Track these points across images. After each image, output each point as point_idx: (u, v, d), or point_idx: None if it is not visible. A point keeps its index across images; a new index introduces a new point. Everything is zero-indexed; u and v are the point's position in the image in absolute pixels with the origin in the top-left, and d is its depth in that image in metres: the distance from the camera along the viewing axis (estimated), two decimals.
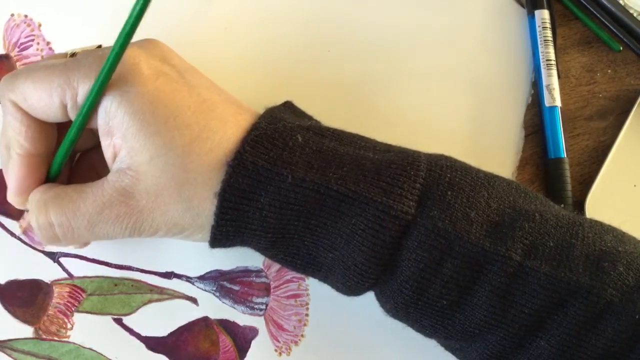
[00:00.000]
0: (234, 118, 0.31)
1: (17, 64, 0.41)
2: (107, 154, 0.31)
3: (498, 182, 0.31)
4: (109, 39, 0.41)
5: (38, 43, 0.41)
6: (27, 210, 0.34)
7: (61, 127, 0.33)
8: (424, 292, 0.30)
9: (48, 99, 0.30)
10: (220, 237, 0.31)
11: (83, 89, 0.30)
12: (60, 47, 0.41)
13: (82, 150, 0.37)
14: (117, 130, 0.30)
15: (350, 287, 0.32)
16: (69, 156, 0.33)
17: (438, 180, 0.30)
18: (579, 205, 0.41)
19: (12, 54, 0.41)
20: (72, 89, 0.30)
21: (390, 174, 0.30)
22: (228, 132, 0.30)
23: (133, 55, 0.30)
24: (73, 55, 0.34)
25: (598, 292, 0.29)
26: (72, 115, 0.31)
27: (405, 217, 0.29)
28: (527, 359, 0.31)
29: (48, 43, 0.41)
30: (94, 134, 0.32)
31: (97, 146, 0.33)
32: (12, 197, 0.33)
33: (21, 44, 0.41)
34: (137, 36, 0.41)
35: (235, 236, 0.31)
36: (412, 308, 0.31)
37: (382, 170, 0.30)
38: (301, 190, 0.29)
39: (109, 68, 0.29)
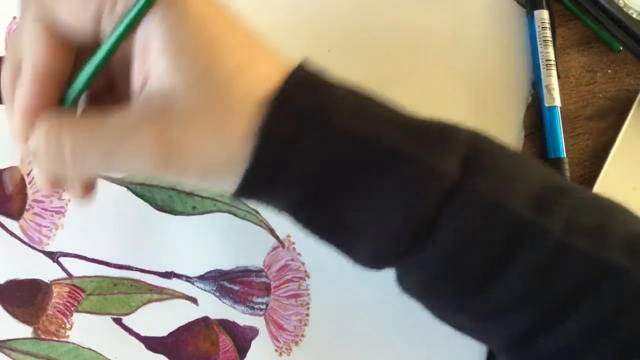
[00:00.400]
0: (276, 58, 0.28)
1: None
2: (138, 79, 0.27)
3: (532, 160, 0.30)
4: None
5: None
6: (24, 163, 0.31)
7: (78, 58, 0.29)
8: (459, 262, 0.28)
9: (81, 6, 0.26)
10: (252, 183, 0.28)
11: None
12: None
13: (92, 95, 0.32)
14: (156, 45, 0.26)
15: (377, 254, 0.29)
16: (90, 84, 0.29)
17: (476, 148, 0.29)
18: None
19: None
20: None
21: (435, 135, 0.28)
22: (272, 70, 0.27)
23: None
24: None
25: (636, 274, 0.28)
26: (107, 29, 0.27)
27: (449, 179, 0.27)
28: (552, 341, 0.29)
29: None
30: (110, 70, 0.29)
31: (110, 92, 0.30)
32: (18, 120, 0.28)
33: None
34: None
35: (266, 184, 0.28)
36: (440, 281, 0.29)
37: (427, 131, 0.28)
38: (345, 140, 0.27)
39: None
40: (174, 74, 0.26)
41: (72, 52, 0.28)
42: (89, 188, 0.32)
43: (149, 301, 0.39)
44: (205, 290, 0.39)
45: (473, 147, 0.29)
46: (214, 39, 0.26)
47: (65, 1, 0.26)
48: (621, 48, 0.44)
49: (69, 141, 0.27)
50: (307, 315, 0.39)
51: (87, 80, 0.28)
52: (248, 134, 0.26)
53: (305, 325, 0.39)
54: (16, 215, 0.39)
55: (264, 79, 0.27)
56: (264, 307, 0.39)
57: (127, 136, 0.26)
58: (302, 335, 0.39)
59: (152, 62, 0.26)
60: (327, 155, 0.27)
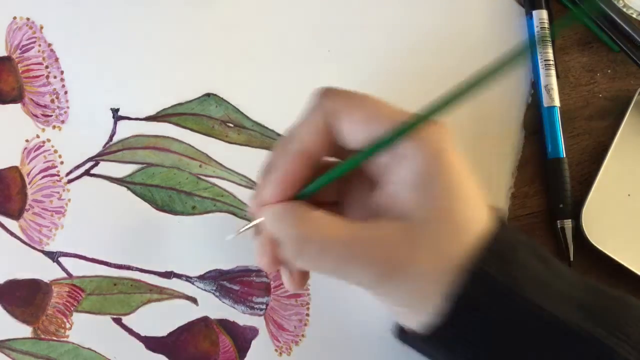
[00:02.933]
0: (483, 214, 0.30)
1: (19, 65, 0.41)
2: (377, 197, 0.30)
3: None
4: (108, 40, 0.42)
5: (39, 45, 0.41)
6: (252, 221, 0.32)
7: None
8: None
9: (363, 128, 0.29)
10: (437, 335, 0.29)
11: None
12: (61, 49, 0.41)
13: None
14: (408, 176, 0.28)
15: None
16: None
17: None
18: (578, 205, 0.41)
19: (13, 56, 0.41)
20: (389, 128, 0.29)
21: (614, 316, 0.29)
22: (479, 229, 0.29)
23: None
24: None
25: None
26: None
27: None
28: None
29: (49, 45, 0.42)
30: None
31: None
32: (271, 187, 0.30)
33: (23, 46, 0.41)
34: (134, 40, 0.42)
35: (450, 340, 0.29)
36: None
37: (606, 311, 0.29)
38: (534, 316, 0.28)
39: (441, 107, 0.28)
40: (417, 208, 0.28)
41: (333, 148, 0.30)
42: (302, 281, 0.33)
43: (149, 301, 0.39)
44: (205, 290, 0.39)
45: None
46: (459, 184, 0.29)
47: (352, 120, 0.29)
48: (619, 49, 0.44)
49: (314, 236, 0.29)
50: (307, 315, 0.39)
51: (326, 183, 0.30)
52: (441, 291, 0.28)
53: (305, 325, 0.39)
54: (16, 215, 0.39)
55: (471, 239, 0.29)
56: (264, 307, 0.39)
57: (359, 252, 0.28)
58: (302, 335, 0.39)
59: (397, 189, 0.29)
60: (509, 327, 0.28)
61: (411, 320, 0.30)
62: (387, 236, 0.28)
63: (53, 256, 0.39)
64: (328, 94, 0.30)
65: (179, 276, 0.39)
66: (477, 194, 0.30)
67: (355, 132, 0.29)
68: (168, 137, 0.41)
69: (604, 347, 0.28)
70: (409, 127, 0.28)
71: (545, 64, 0.43)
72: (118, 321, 0.38)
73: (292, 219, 0.29)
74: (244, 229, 0.32)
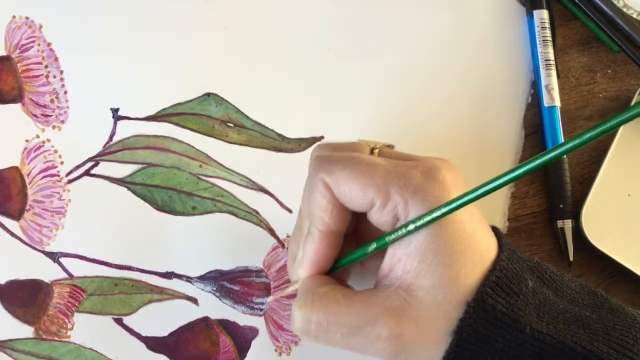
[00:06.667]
0: (487, 252, 0.31)
1: (18, 65, 0.41)
2: (386, 264, 0.31)
3: None
4: (108, 40, 0.41)
5: (39, 44, 0.41)
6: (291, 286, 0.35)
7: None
8: None
9: (361, 194, 0.30)
10: None
11: (397, 197, 0.30)
12: (61, 49, 0.41)
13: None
14: (411, 246, 0.30)
15: None
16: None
17: None
18: (578, 205, 0.41)
19: (13, 55, 0.41)
20: (386, 193, 0.30)
21: (619, 335, 0.29)
22: (480, 270, 0.30)
23: (451, 179, 0.30)
24: (374, 149, 0.34)
25: None
26: (375, 215, 0.31)
27: None
28: None
29: (49, 44, 0.41)
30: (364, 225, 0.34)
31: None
32: (303, 269, 0.33)
33: (22, 45, 0.41)
34: (134, 39, 0.42)
35: None
36: None
37: (610, 330, 0.30)
38: (538, 343, 0.29)
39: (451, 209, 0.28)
40: (417, 277, 0.29)
41: (350, 214, 0.32)
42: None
43: (150, 301, 0.39)
44: (205, 290, 0.39)
45: None
46: (463, 253, 0.29)
47: (350, 183, 0.30)
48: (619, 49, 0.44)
49: (317, 318, 0.30)
50: None
51: (354, 261, 0.33)
52: (445, 334, 0.29)
53: None
54: (16, 216, 0.39)
55: (479, 274, 0.30)
56: (264, 307, 0.39)
57: (368, 325, 0.30)
58: None
59: (403, 259, 0.30)
60: (520, 356, 0.29)
61: None
62: (393, 310, 0.29)
63: (54, 257, 0.39)
64: (321, 165, 0.32)
65: (179, 276, 0.39)
66: (480, 238, 0.30)
67: (356, 201, 0.31)
68: (168, 137, 0.41)
69: None
70: (432, 220, 0.29)
71: (545, 64, 0.43)
72: (119, 321, 0.38)
73: (303, 300, 0.31)
74: (281, 294, 0.37)
